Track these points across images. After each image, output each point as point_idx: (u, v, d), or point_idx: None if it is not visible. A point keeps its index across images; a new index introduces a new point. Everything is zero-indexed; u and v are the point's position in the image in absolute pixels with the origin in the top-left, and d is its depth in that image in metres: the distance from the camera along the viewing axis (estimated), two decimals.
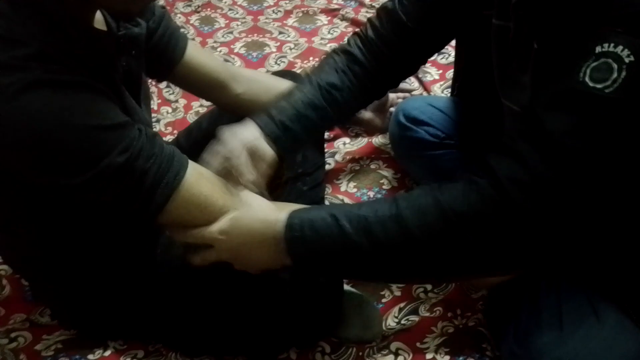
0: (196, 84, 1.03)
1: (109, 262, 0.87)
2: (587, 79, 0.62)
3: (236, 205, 0.77)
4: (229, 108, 1.07)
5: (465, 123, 1.12)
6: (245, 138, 0.84)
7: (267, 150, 0.84)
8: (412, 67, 1.02)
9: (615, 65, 0.61)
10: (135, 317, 0.92)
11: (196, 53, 1.00)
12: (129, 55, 0.81)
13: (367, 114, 1.22)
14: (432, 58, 1.60)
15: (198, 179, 0.75)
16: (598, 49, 0.62)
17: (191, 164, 0.76)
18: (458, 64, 1.14)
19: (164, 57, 0.95)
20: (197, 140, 1.12)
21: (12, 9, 0.65)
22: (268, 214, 0.76)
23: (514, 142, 0.68)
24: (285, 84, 1.11)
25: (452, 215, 0.68)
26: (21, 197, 0.75)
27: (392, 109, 1.27)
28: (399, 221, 0.70)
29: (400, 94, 1.37)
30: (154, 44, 0.93)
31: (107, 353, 0.95)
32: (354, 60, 0.94)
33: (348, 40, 0.99)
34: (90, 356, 0.94)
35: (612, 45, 0.61)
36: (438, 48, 1.00)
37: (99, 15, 0.77)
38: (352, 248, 0.72)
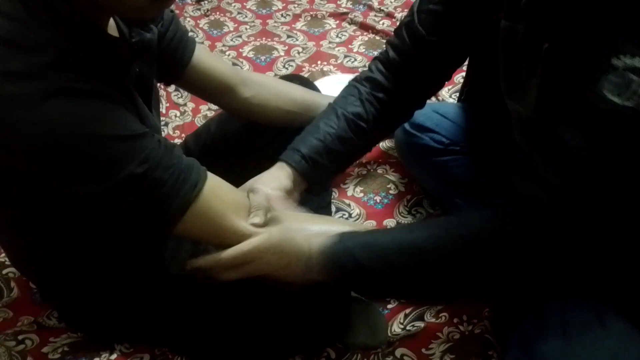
0: (204, 88, 1.03)
1: (118, 265, 0.88)
2: (603, 92, 0.59)
3: (271, 221, 0.79)
4: (237, 112, 1.07)
5: (474, 129, 1.12)
6: (274, 189, 0.86)
7: (293, 188, 0.89)
8: (436, 84, 1.01)
9: (633, 77, 0.58)
10: (142, 321, 0.93)
11: (205, 57, 1.00)
12: (142, 61, 0.81)
13: None
14: None
15: (216, 192, 0.75)
16: (615, 61, 0.59)
17: (210, 176, 0.76)
18: (468, 69, 1.14)
19: (172, 61, 0.95)
20: (206, 144, 1.13)
21: (27, 14, 0.64)
22: (310, 238, 0.77)
23: (527, 157, 0.67)
24: (294, 89, 1.12)
25: (470, 240, 0.68)
26: (37, 202, 0.76)
27: None
28: (416, 249, 0.71)
29: None
30: (163, 47, 0.93)
31: (114, 356, 0.95)
32: (377, 86, 0.96)
33: (369, 66, 1.00)
34: (96, 359, 0.95)
35: (628, 56, 0.58)
36: (459, 60, 0.98)
37: (111, 21, 0.77)
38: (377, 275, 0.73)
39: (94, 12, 0.69)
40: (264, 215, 0.78)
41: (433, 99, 1.48)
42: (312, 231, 0.79)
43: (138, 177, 0.68)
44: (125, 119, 0.70)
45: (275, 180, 0.88)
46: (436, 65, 0.96)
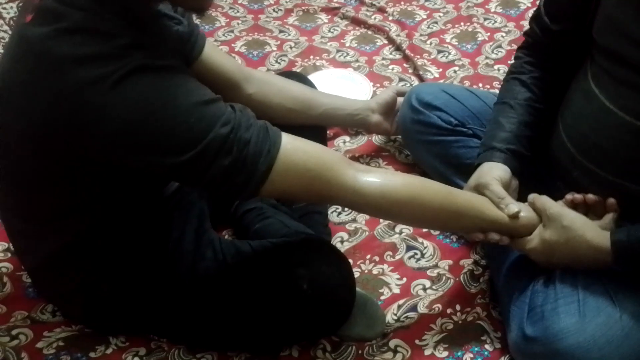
0: (210, 82, 1.02)
1: (124, 254, 0.88)
2: None
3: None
4: None
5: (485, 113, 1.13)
6: (494, 176, 0.93)
7: (509, 181, 0.94)
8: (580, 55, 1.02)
9: None
10: (144, 309, 0.93)
11: (213, 52, 1.02)
12: (176, 51, 0.84)
13: (375, 117, 1.21)
14: (433, 56, 1.62)
15: (295, 146, 0.78)
16: None
17: (284, 134, 0.78)
18: None
19: (183, 54, 0.96)
20: None
21: (97, 5, 0.68)
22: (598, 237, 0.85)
23: None
24: (295, 86, 1.13)
25: None
26: (85, 186, 0.78)
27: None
28: None
29: None
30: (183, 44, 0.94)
31: (109, 351, 0.96)
32: (534, 67, 1.01)
33: (516, 57, 1.06)
34: (91, 354, 0.95)
35: None
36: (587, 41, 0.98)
37: None
38: None
39: (151, 0, 0.74)
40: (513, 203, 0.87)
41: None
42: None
43: (224, 137, 0.71)
44: (200, 86, 0.75)
45: (493, 170, 0.92)
46: (568, 47, 0.98)
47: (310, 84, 1.20)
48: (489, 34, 1.71)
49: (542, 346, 0.83)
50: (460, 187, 1.10)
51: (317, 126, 1.14)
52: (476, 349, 0.97)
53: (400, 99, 1.27)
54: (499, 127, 0.99)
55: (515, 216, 0.87)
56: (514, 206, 0.88)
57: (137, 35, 0.70)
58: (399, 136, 1.34)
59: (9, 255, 1.08)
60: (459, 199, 0.89)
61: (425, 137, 1.17)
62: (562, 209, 0.88)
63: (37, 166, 0.77)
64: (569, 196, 0.91)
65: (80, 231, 0.84)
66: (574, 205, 0.90)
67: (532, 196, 0.91)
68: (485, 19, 1.77)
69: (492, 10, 1.81)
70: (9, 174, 0.83)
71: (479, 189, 0.91)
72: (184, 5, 0.79)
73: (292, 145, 0.77)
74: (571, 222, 0.86)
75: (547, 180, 1.00)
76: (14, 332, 0.98)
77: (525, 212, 0.89)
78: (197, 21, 1.78)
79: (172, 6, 0.84)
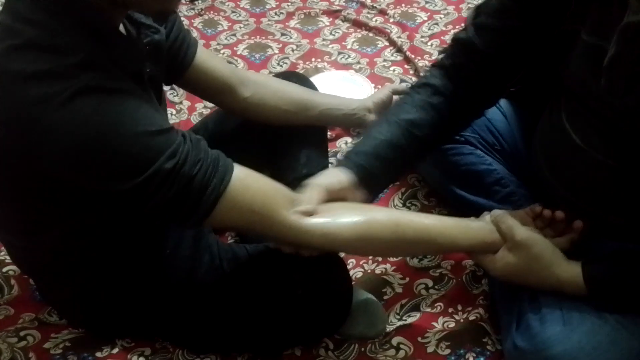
0: (204, 87, 1.04)
1: (119, 261, 0.89)
2: None
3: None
4: (237, 111, 1.08)
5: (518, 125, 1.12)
6: (321, 182, 0.87)
7: (346, 192, 0.88)
8: (493, 96, 1.01)
9: None
10: (143, 315, 0.94)
11: (205, 57, 1.02)
12: (152, 61, 0.82)
13: (372, 116, 1.22)
14: (434, 58, 1.63)
15: (244, 185, 0.76)
16: None
17: (237, 167, 0.77)
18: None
19: (175, 61, 0.96)
20: None
21: (50, 18, 0.66)
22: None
23: None
24: (292, 88, 1.13)
25: None
26: (54, 201, 0.77)
27: None
28: None
29: None
30: (167, 48, 0.94)
31: (115, 351, 0.97)
32: (434, 91, 0.94)
33: (426, 72, 1.00)
34: (98, 354, 0.96)
35: None
36: (517, 72, 0.97)
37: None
38: None
39: (113, 11, 0.71)
40: (310, 205, 0.80)
41: None
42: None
43: (168, 172, 0.70)
44: (152, 115, 0.72)
45: (330, 177, 0.88)
46: (493, 79, 0.95)
47: (310, 84, 1.21)
48: None
49: (531, 355, 0.83)
50: (457, 195, 1.12)
51: (317, 127, 1.15)
52: (478, 349, 0.98)
53: (396, 98, 1.27)
54: (367, 139, 0.94)
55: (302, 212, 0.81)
56: (302, 206, 0.80)
57: (94, 51, 0.67)
58: None
59: None
60: (408, 230, 0.84)
61: None
62: (529, 236, 0.85)
63: (10, 182, 0.76)
64: (537, 207, 0.90)
65: (70, 241, 0.84)
66: (535, 217, 0.89)
67: (496, 215, 0.88)
68: None
69: None
70: None
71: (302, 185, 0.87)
72: (149, 11, 0.76)
73: (240, 184, 0.76)
74: (540, 253, 0.85)
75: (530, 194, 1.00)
76: (22, 334, 0.99)
77: (481, 230, 0.88)
78: (199, 25, 1.80)
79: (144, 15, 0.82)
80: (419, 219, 0.89)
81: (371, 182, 0.90)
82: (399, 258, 1.13)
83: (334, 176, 0.88)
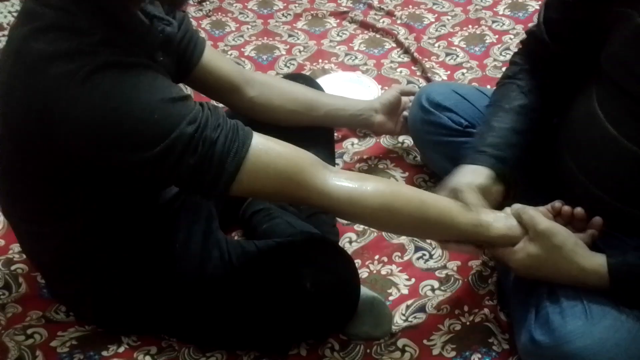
0: (211, 86, 1.05)
1: (130, 255, 0.90)
2: None
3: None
4: (242, 111, 1.09)
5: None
6: (472, 182, 0.91)
7: (490, 187, 0.92)
8: (575, 78, 1.00)
9: None
10: (152, 310, 0.94)
11: (213, 56, 1.03)
12: (164, 51, 0.84)
13: (378, 117, 1.22)
14: (441, 59, 1.63)
15: (266, 147, 0.77)
16: None
17: (256, 134, 0.78)
18: None
19: (183, 59, 0.97)
20: None
21: (71, 4, 0.70)
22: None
23: None
24: (297, 88, 1.13)
25: None
26: (75, 187, 0.79)
27: (405, 113, 1.27)
28: None
29: (412, 97, 1.37)
30: (175, 46, 0.95)
31: (121, 349, 0.97)
32: (530, 75, 0.99)
33: (512, 62, 1.03)
34: (104, 352, 0.97)
35: None
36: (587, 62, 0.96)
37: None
38: None
39: (128, 4, 0.75)
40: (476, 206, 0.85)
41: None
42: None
43: (190, 136, 0.71)
44: (169, 84, 0.75)
45: (471, 175, 0.91)
46: (565, 69, 0.97)
47: (316, 86, 1.21)
48: (497, 36, 1.71)
49: (550, 350, 0.82)
50: None
51: (324, 127, 1.15)
52: (484, 349, 0.98)
53: (404, 99, 1.27)
54: (490, 131, 0.97)
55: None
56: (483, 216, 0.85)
57: (110, 32, 0.71)
58: (406, 137, 1.35)
59: (24, 256, 1.10)
60: (432, 208, 0.85)
61: (435, 137, 1.16)
62: (552, 226, 0.85)
63: (28, 168, 0.78)
64: (557, 204, 0.88)
65: (82, 233, 0.85)
66: (555, 214, 0.88)
67: (517, 208, 0.88)
68: (493, 22, 1.77)
69: (500, 12, 1.81)
70: (7, 177, 0.85)
71: (454, 193, 0.89)
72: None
73: (262, 146, 0.77)
74: (562, 242, 0.83)
75: (547, 190, 0.98)
76: (29, 332, 1.00)
77: (504, 222, 0.87)
78: (207, 26, 1.81)
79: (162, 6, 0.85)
80: (443, 202, 0.88)
81: (508, 172, 0.93)
82: (406, 258, 1.13)
83: (480, 174, 0.91)
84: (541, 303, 0.87)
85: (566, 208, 0.88)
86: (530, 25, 1.03)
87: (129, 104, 0.70)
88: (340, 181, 0.80)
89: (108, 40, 0.70)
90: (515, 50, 1.07)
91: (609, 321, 0.80)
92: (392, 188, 0.85)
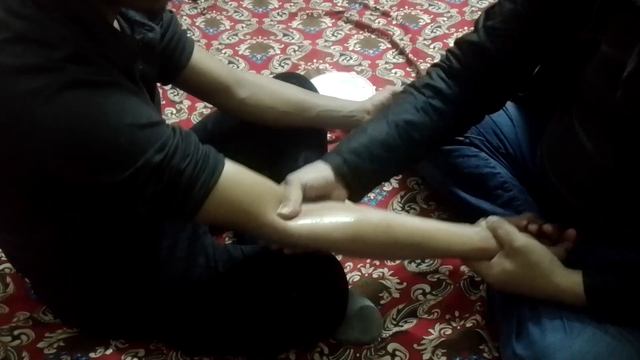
0: (201, 88, 1.03)
1: (114, 261, 0.89)
2: None
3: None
4: (233, 112, 1.07)
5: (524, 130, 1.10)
6: (303, 177, 0.84)
7: (329, 188, 0.86)
8: (499, 100, 0.99)
9: None
10: (138, 315, 0.93)
11: (202, 57, 1.01)
12: (145, 59, 0.82)
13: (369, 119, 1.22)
14: (436, 60, 1.61)
15: (235, 180, 0.76)
16: None
17: (228, 162, 0.76)
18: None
19: (171, 61, 0.96)
20: (203, 142, 1.13)
21: (39, 12, 0.66)
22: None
23: None
24: (289, 89, 1.12)
25: None
26: (44, 198, 0.77)
27: None
28: None
29: None
30: (162, 48, 0.93)
31: (109, 351, 0.96)
32: (436, 93, 0.92)
33: (428, 72, 0.96)
34: (92, 354, 0.96)
35: None
36: (528, 77, 0.96)
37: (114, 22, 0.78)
38: None
39: (102, 7, 0.71)
40: (294, 207, 0.78)
41: None
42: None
43: (156, 165, 0.69)
44: (141, 108, 0.71)
45: (314, 171, 0.87)
46: (502, 84, 0.93)
47: (310, 85, 1.20)
48: None
49: None
50: (459, 198, 1.11)
51: (317, 129, 1.14)
52: (474, 356, 0.97)
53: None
54: (361, 136, 0.91)
55: (281, 215, 0.78)
56: (286, 209, 0.78)
57: (82, 45, 0.67)
58: None
59: None
60: (400, 231, 0.83)
61: None
62: (528, 243, 0.84)
63: (1, 179, 0.76)
64: (524, 222, 0.88)
65: (60, 241, 0.83)
66: (525, 230, 0.87)
67: (493, 221, 0.86)
68: None
69: None
70: None
71: (284, 181, 0.84)
72: (137, 7, 0.76)
73: (230, 180, 0.75)
74: (538, 261, 0.83)
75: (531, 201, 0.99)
76: (15, 333, 0.99)
77: (479, 235, 0.86)
78: (201, 24, 1.80)
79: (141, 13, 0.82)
80: (412, 221, 0.88)
81: (359, 181, 0.88)
82: (397, 262, 1.12)
83: (320, 171, 0.87)
84: (522, 317, 0.86)
85: (532, 227, 0.88)
86: (464, 33, 0.97)
87: (95, 126, 0.66)
88: (301, 220, 0.79)
89: (79, 54, 0.66)
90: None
91: (588, 335, 0.80)
92: (357, 216, 0.82)
